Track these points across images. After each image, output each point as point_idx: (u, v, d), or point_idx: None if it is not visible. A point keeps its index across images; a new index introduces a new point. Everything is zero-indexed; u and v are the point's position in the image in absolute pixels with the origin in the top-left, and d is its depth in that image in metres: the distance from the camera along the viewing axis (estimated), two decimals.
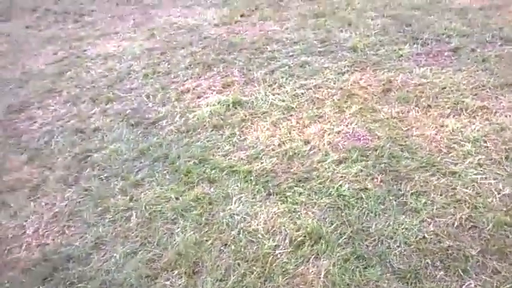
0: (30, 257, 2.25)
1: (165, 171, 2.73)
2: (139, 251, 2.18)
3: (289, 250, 2.08)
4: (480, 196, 2.29)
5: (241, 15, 5.19)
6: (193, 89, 3.70)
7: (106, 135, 3.16)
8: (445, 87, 3.29)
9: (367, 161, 2.58)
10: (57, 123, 3.39)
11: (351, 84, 3.46)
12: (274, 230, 2.19)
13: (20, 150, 3.10)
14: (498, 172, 2.42)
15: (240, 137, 2.99)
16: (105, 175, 2.75)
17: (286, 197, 2.38)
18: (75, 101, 3.69)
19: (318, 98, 3.32)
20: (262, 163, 2.67)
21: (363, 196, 2.32)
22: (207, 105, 3.42)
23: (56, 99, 3.76)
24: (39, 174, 2.84)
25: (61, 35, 5.21)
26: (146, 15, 5.56)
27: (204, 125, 3.16)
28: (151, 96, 3.63)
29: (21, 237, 2.38)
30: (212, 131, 3.09)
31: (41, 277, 2.12)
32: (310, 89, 3.45)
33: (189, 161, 2.78)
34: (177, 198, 2.48)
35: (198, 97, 3.58)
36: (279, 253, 2.07)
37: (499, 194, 2.28)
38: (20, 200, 2.63)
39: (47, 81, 4.07)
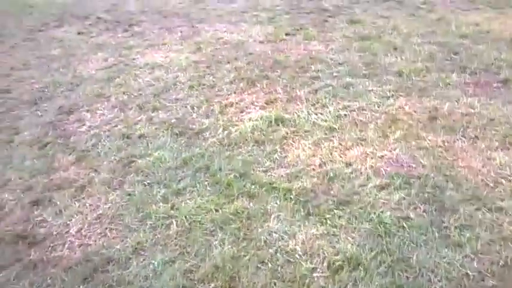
0: (72, 256, 2.32)
1: (206, 182, 2.77)
2: (178, 260, 2.21)
3: (326, 274, 2.06)
4: None
5: (286, 34, 5.26)
6: (237, 103, 3.76)
7: (151, 143, 3.24)
8: (493, 119, 3.21)
9: (410, 189, 2.54)
10: (104, 127, 3.51)
11: (396, 109, 3.43)
12: (313, 252, 2.18)
13: (68, 151, 3.22)
14: None
15: (281, 154, 3.00)
16: (148, 181, 2.82)
17: (325, 219, 2.36)
18: (122, 107, 3.81)
19: (361, 120, 3.30)
20: (302, 182, 2.67)
21: (405, 225, 2.28)
22: (250, 120, 3.46)
23: (104, 104, 3.90)
24: (85, 175, 2.94)
25: (111, 43, 5.42)
26: (193, 29, 5.71)
27: (246, 140, 3.20)
28: (195, 108, 3.71)
29: (64, 236, 2.46)
30: (254, 146, 3.12)
31: (81, 277, 2.18)
32: (354, 111, 3.44)
33: (230, 174, 2.81)
34: (216, 210, 2.51)
35: (241, 111, 3.63)
36: (316, 276, 2.05)
37: None
38: (66, 199, 2.72)
39: (96, 86, 4.23)
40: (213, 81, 4.20)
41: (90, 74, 4.54)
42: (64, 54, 5.16)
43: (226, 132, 3.34)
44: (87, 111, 3.81)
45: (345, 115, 3.38)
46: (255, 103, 3.75)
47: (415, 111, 3.38)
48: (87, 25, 6.22)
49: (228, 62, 4.60)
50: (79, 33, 5.88)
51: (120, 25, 6.08)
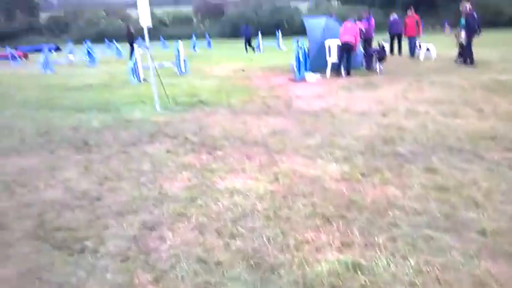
0: None
1: None
2: None
3: None
4: None
5: (362, 174, 5.38)
6: (312, 240, 3.77)
7: (226, 271, 3.28)
8: None
9: None
10: (183, 248, 3.64)
11: (482, 272, 3.25)
12: None
13: (148, 269, 3.33)
14: None
15: None
16: None
17: None
18: (202, 229, 3.97)
19: (445, 279, 3.15)
20: None
21: None
22: (325, 262, 3.43)
23: (185, 224, 4.09)
24: None
25: (195, 164, 5.84)
26: (271, 159, 6.04)
27: (322, 283, 3.14)
28: (271, 240, 3.77)
29: None
30: None
31: None
32: (436, 267, 3.30)
33: None
34: None
35: (316, 250, 3.63)
36: None
37: None
38: None
39: (179, 205, 4.49)
40: (289, 214, 4.30)
41: (174, 192, 4.86)
42: (152, 170, 5.61)
43: (301, 271, 3.31)
44: (169, 229, 4.00)
45: (427, 271, 3.25)
46: (331, 243, 3.74)
47: (504, 278, 3.17)
48: (175, 144, 6.83)
49: (304, 196, 4.73)
50: (168, 152, 6.44)
51: (205, 148, 6.60)
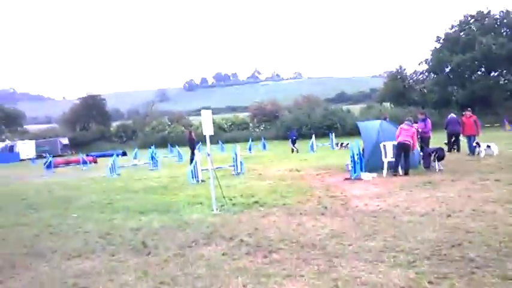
0: None
1: None
2: None
3: None
4: None
5: (429, 282, 4.97)
6: None
7: None
8: None
9: None
10: None
11: None
12: None
13: None
14: None
15: None
16: None
17: None
18: None
19: None
20: None
21: None
22: None
23: None
24: None
25: (251, 268, 5.71)
26: (330, 263, 5.78)
27: None
28: None
29: None
30: None
31: None
32: None
33: None
34: None
35: None
36: None
37: None
38: None
39: None
40: None
41: None
42: (208, 274, 5.54)
43: None
44: None
45: None
46: None
47: None
48: (231, 247, 6.78)
49: None
50: (223, 254, 6.39)
51: (260, 251, 6.48)
